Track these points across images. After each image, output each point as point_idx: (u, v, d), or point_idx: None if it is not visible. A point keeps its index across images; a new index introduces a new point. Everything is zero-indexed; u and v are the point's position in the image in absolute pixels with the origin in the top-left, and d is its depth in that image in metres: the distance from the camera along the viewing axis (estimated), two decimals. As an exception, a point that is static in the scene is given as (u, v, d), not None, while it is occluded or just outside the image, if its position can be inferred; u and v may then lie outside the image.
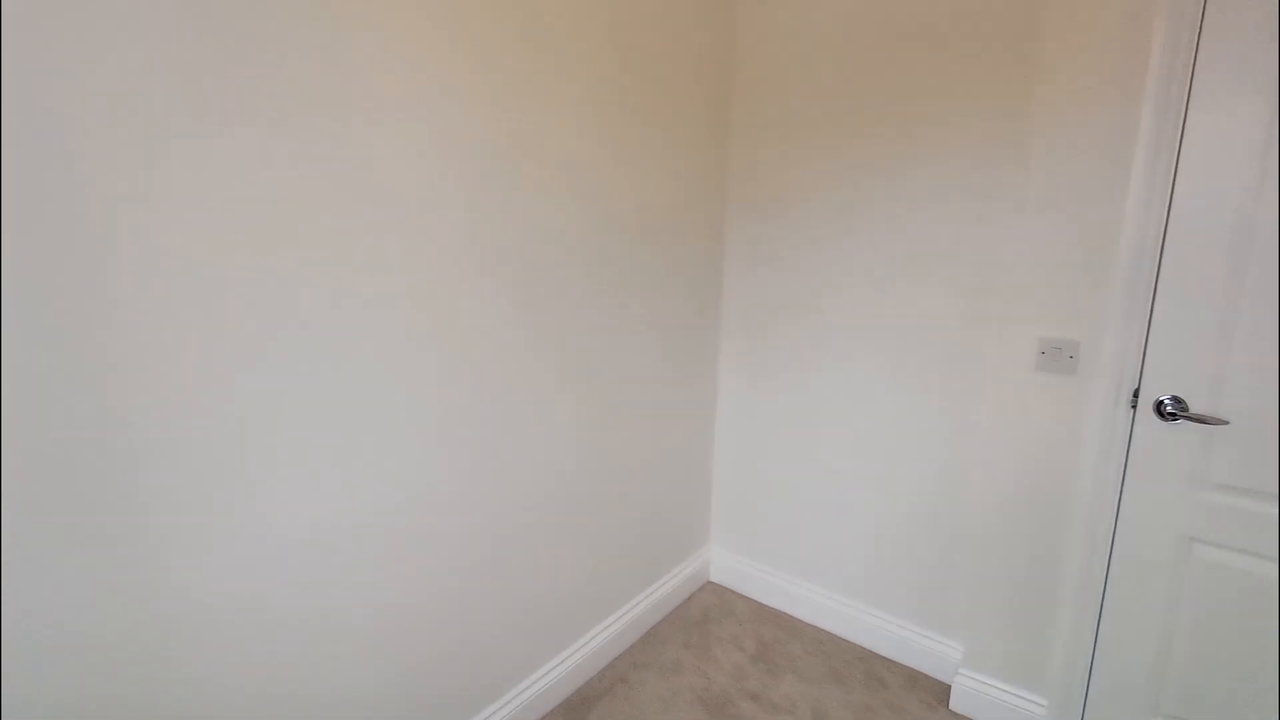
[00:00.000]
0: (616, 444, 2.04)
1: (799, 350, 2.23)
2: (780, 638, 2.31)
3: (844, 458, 2.20)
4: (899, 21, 1.87)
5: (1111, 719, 1.74)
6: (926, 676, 2.13)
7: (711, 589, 2.57)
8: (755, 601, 2.50)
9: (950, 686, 2.07)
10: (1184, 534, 1.57)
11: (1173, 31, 1.41)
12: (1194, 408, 1.51)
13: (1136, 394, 1.58)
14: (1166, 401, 1.53)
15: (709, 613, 2.43)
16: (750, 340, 2.34)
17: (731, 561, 2.55)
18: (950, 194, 1.85)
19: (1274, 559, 1.47)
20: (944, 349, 1.94)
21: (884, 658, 2.22)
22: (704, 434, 2.45)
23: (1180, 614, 1.61)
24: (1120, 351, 1.58)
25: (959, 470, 1.98)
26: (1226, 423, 1.46)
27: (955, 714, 1.99)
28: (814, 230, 2.13)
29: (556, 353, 1.76)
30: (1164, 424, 1.55)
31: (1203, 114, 1.41)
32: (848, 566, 2.27)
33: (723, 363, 2.44)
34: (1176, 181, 1.46)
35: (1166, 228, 1.49)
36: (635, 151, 1.89)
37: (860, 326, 2.09)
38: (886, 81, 1.91)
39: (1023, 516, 1.79)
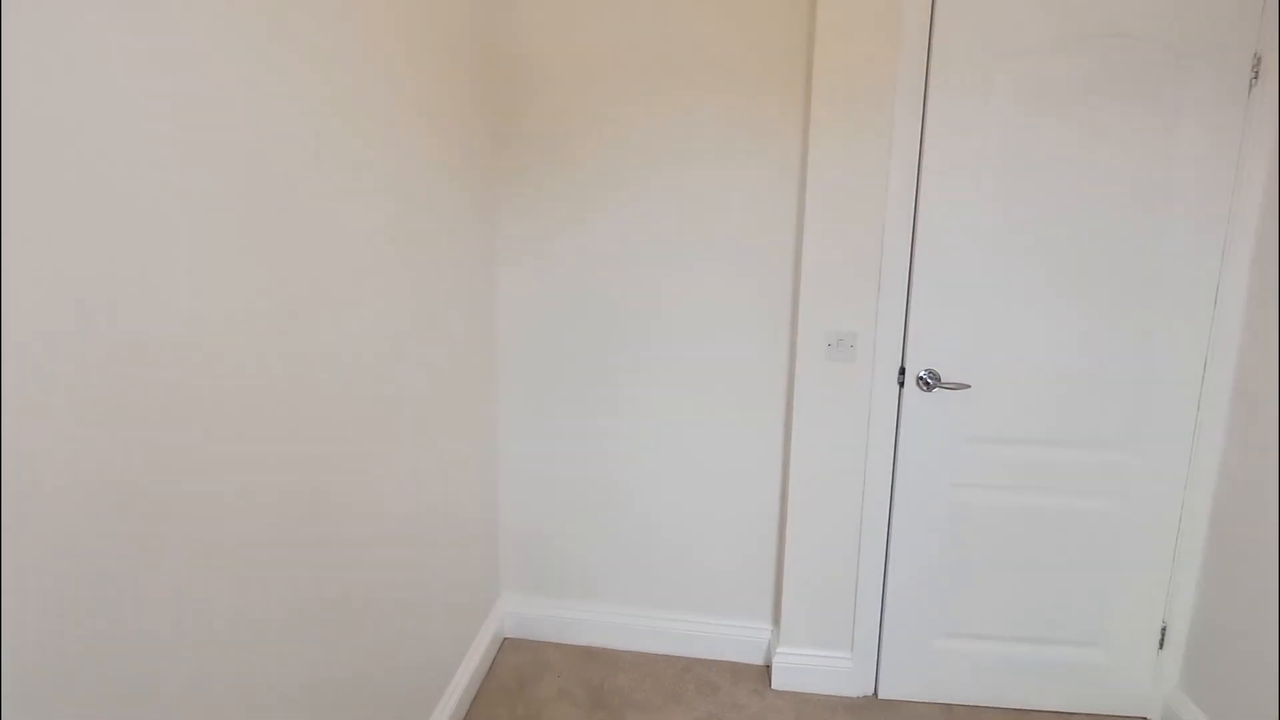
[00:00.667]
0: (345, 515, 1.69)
1: (590, 362, 2.16)
2: (605, 675, 2.18)
3: (643, 466, 2.20)
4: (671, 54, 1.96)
5: (902, 646, 2.06)
6: (747, 665, 2.25)
7: (514, 646, 2.30)
8: (565, 645, 2.32)
9: (768, 668, 2.21)
10: (948, 481, 1.95)
11: (909, 87, 1.77)
12: (945, 378, 1.89)
13: (903, 371, 1.92)
14: (924, 375, 1.89)
15: (523, 673, 2.18)
16: (531, 356, 2.19)
17: (529, 610, 2.33)
18: (750, 212, 2.00)
19: (1013, 488, 1.93)
20: (742, 349, 2.09)
21: (705, 660, 2.27)
22: (485, 469, 2.19)
23: (949, 546, 1.99)
24: (888, 338, 1.90)
25: (764, 459, 2.14)
26: (969, 386, 1.87)
27: (779, 692, 2.13)
28: (599, 236, 2.09)
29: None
30: (924, 393, 1.91)
31: (937, 153, 1.79)
32: (654, 579, 2.27)
33: (503, 384, 2.22)
34: (919, 203, 1.82)
35: (914, 239, 1.85)
36: (408, 158, 1.61)
37: (656, 331, 2.12)
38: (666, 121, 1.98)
39: (826, 491, 2.02)
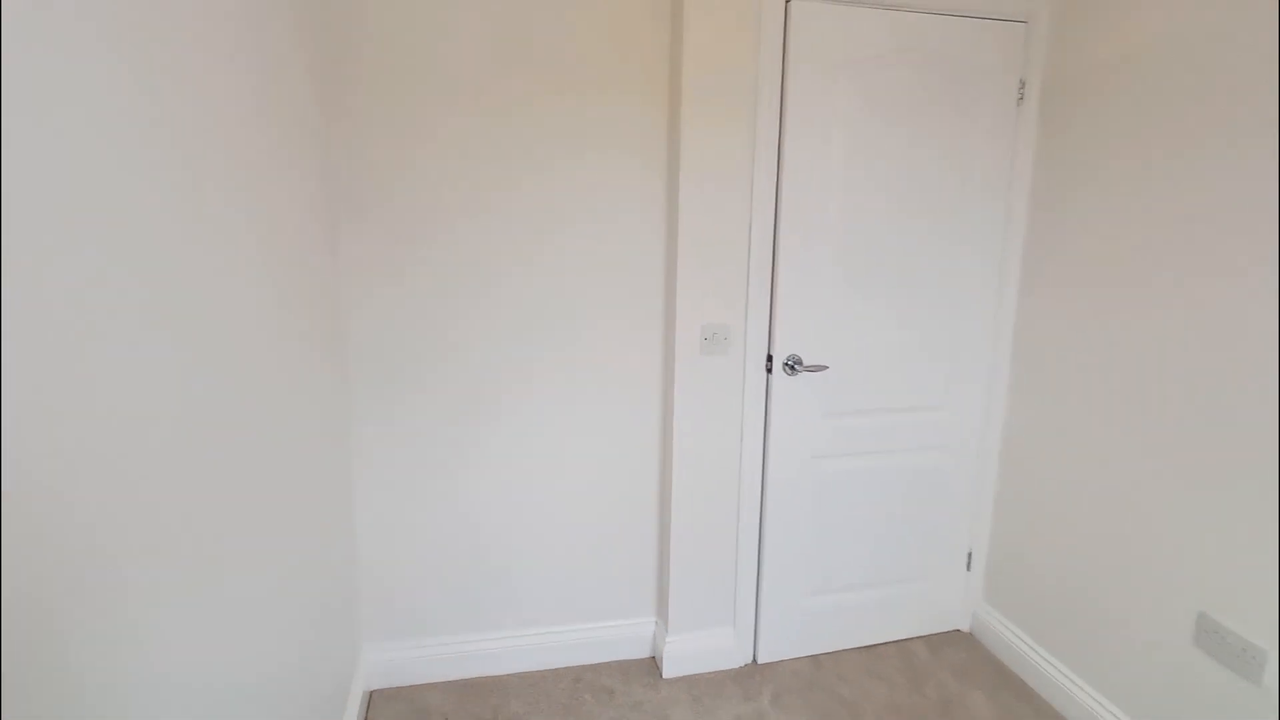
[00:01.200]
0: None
1: (450, 375, 1.97)
2: (497, 705, 2.04)
3: (514, 478, 2.08)
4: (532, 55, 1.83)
5: (776, 612, 2.22)
6: (636, 662, 2.25)
7: (386, 698, 2.05)
8: (447, 683, 2.12)
9: (655, 660, 2.24)
10: (810, 454, 2.12)
11: (769, 97, 1.86)
12: (807, 362, 2.05)
13: (770, 359, 2.04)
14: (788, 361, 2.03)
15: (404, 727, 1.95)
16: (384, 375, 1.94)
17: (398, 655, 2.08)
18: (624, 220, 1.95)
19: (863, 454, 2.15)
20: (615, 350, 2.05)
21: (595, 665, 2.23)
22: (340, 512, 1.90)
23: (814, 513, 2.17)
24: (756, 329, 2.01)
25: (641, 456, 2.14)
26: (827, 367, 2.05)
27: (672, 681, 2.17)
28: (457, 247, 1.90)
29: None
30: (789, 377, 2.05)
31: (794, 153, 1.91)
32: (533, 596, 2.17)
33: (358, 417, 1.94)
34: (780, 202, 1.94)
35: (776, 236, 1.96)
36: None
37: (526, 339, 2.00)
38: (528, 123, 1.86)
39: (706, 477, 2.08)
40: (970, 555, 2.36)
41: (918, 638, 2.40)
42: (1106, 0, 1.83)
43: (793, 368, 2.04)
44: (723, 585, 2.18)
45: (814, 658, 2.30)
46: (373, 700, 2.05)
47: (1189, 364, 1.64)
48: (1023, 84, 2.04)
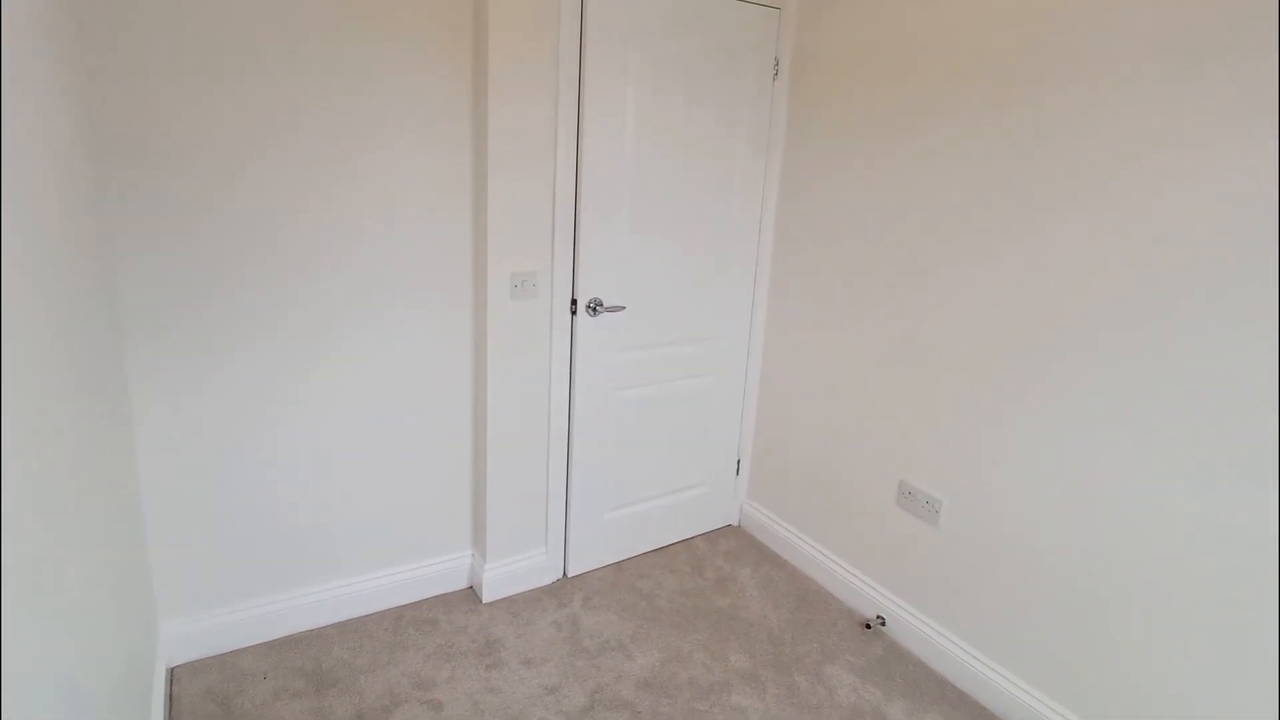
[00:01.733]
0: None
1: (250, 339, 1.86)
2: (319, 655, 2.04)
3: (327, 429, 2.05)
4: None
5: (584, 529, 2.48)
6: (455, 594, 2.37)
7: (194, 670, 1.94)
8: (261, 644, 2.06)
9: (472, 589, 2.38)
10: (612, 386, 2.37)
11: (568, 64, 1.96)
12: (607, 303, 2.26)
13: (574, 302, 2.22)
14: (591, 303, 2.23)
15: (221, 693, 1.88)
16: (177, 340, 1.77)
17: (206, 624, 1.97)
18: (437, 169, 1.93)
19: (655, 383, 2.45)
20: (427, 299, 2.07)
21: (415, 604, 2.31)
22: (121, 480, 1.73)
23: (614, 438, 2.44)
24: (561, 274, 2.16)
25: (455, 397, 2.21)
26: (624, 308, 2.28)
27: (492, 604, 2.34)
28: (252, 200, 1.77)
29: None
30: (591, 318, 2.25)
31: (594, 116, 2.05)
32: (350, 545, 2.17)
33: (136, 375, 1.75)
34: (581, 156, 2.08)
35: (578, 188, 2.11)
36: None
37: (332, 298, 1.94)
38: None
39: (519, 415, 2.23)
40: (739, 462, 2.82)
41: (700, 535, 2.83)
42: (835, 1, 2.22)
43: (595, 309, 2.24)
44: (535, 512, 2.37)
45: (617, 564, 2.61)
46: (176, 676, 1.93)
47: (892, 283, 2.14)
48: (777, 61, 2.38)
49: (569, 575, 2.51)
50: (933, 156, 1.97)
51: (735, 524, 2.91)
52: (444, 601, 2.33)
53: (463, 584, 2.40)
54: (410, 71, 1.89)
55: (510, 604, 2.34)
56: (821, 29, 2.28)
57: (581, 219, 2.14)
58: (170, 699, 1.85)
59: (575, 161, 2.09)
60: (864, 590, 2.34)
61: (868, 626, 2.30)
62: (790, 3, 2.35)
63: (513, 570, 2.36)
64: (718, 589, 2.49)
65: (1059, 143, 1.67)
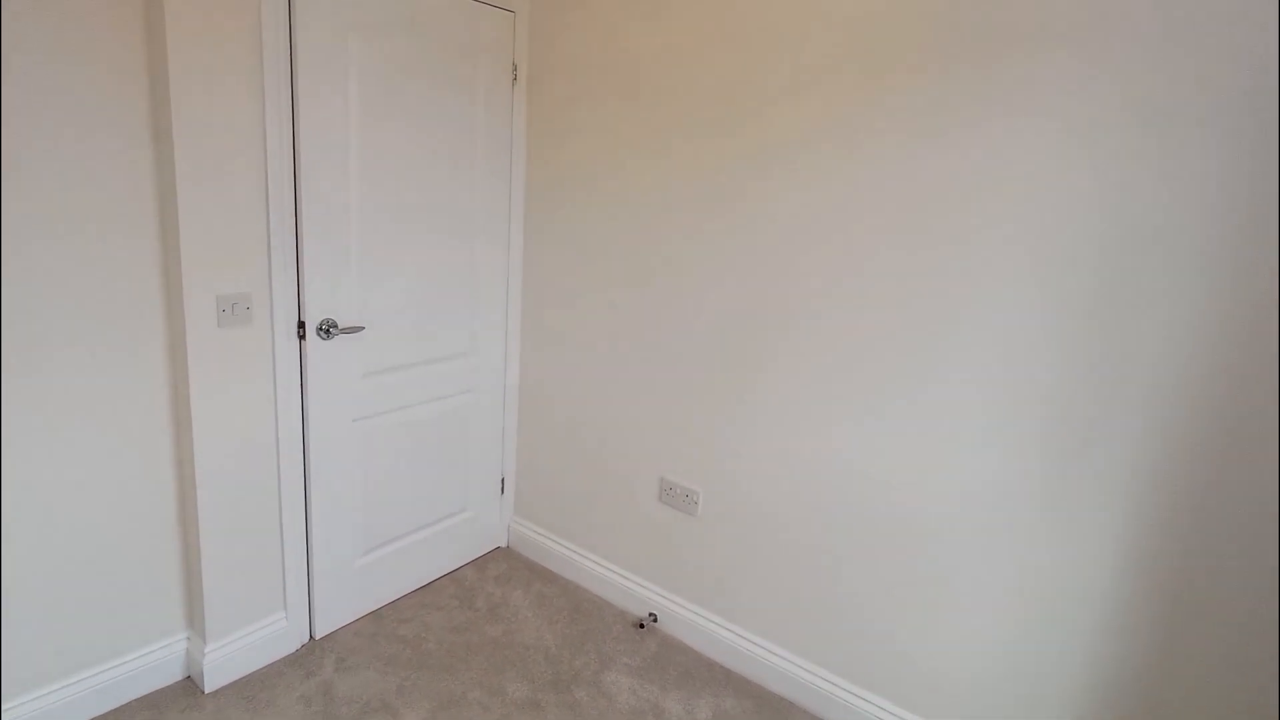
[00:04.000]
0: None
1: None
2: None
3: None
4: None
5: (330, 581, 2.19)
6: (168, 688, 1.93)
7: None
8: None
9: (191, 679, 1.96)
10: (350, 417, 2.11)
11: (276, 54, 1.69)
12: (342, 324, 2.00)
13: (302, 325, 1.93)
14: (322, 325, 1.96)
15: None
16: None
17: None
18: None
19: (402, 409, 2.23)
20: (104, 332, 1.63)
21: (113, 711, 1.82)
22: None
23: (359, 475, 2.18)
24: (284, 294, 1.87)
25: (158, 455, 1.78)
26: (363, 328, 2.04)
27: (218, 693, 1.95)
28: None
29: None
30: (325, 342, 1.98)
31: (311, 110, 1.79)
32: (21, 657, 1.65)
33: None
34: (298, 160, 1.81)
35: (298, 195, 1.83)
36: None
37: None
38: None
39: (239, 461, 1.88)
40: (503, 480, 2.71)
41: (468, 564, 2.67)
42: (562, 11, 2.22)
43: (328, 331, 1.97)
44: (268, 572, 2.02)
45: (376, 613, 2.35)
46: None
47: (640, 286, 2.21)
48: (515, 65, 2.32)
49: (317, 637, 2.19)
50: (669, 163, 2.07)
51: (505, 545, 2.80)
52: (152, 703, 1.88)
53: (178, 675, 1.96)
54: (56, 52, 1.47)
55: (243, 687, 1.97)
56: (555, 38, 2.27)
57: (305, 230, 1.86)
58: None
59: (293, 165, 1.82)
60: (636, 590, 2.39)
61: (641, 626, 2.36)
62: (524, 7, 2.29)
63: (243, 646, 1.99)
64: (490, 618, 2.36)
65: (769, 155, 1.86)
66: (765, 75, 1.83)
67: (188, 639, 1.97)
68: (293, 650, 2.12)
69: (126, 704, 1.86)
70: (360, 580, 2.26)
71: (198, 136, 1.63)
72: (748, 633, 2.14)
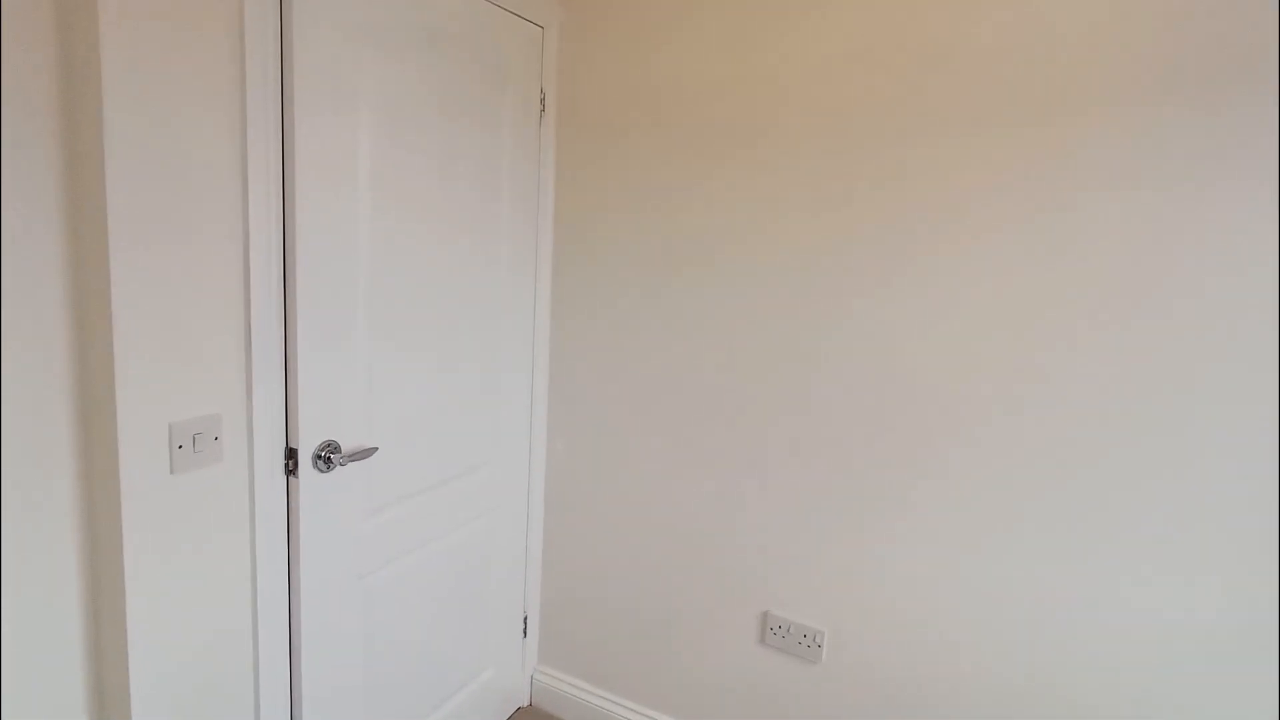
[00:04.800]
0: None
1: None
2: None
3: None
4: None
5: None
6: None
7: None
8: None
9: None
10: (356, 573, 1.48)
11: (263, 63, 1.13)
12: (348, 447, 1.40)
13: (293, 453, 1.31)
14: (321, 451, 1.35)
15: None
16: None
17: None
18: None
19: (414, 549, 1.61)
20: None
21: None
22: None
23: (364, 643, 1.53)
24: (268, 414, 1.25)
25: (71, 667, 1.09)
26: (376, 449, 1.44)
27: None
28: None
29: None
30: (324, 475, 1.36)
31: (309, 151, 1.22)
32: None
33: None
34: (292, 228, 1.23)
35: (290, 264, 1.25)
36: None
37: None
38: None
39: (203, 671, 1.21)
40: (525, 619, 2.10)
41: (482, 735, 2.01)
42: (599, 27, 1.78)
43: (328, 460, 1.36)
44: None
45: (379, 842, 1.66)
46: None
47: (712, 369, 1.74)
48: (543, 94, 1.84)
49: None
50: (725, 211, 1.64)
51: (526, 705, 2.16)
52: None
53: None
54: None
55: None
56: (588, 60, 1.82)
57: (299, 319, 1.27)
58: None
59: (282, 229, 1.24)
60: (728, 758, 1.84)
61: (740, 804, 1.81)
62: (553, 23, 1.83)
63: None
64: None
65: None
66: (916, 116, 1.46)
67: None
68: None
69: None
70: (362, 802, 1.58)
71: (142, 183, 1.03)
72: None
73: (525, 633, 2.10)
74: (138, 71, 1.01)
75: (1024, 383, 1.41)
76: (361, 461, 1.44)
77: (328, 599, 1.42)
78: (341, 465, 1.38)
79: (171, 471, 1.12)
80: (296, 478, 1.32)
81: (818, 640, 1.71)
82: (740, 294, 1.70)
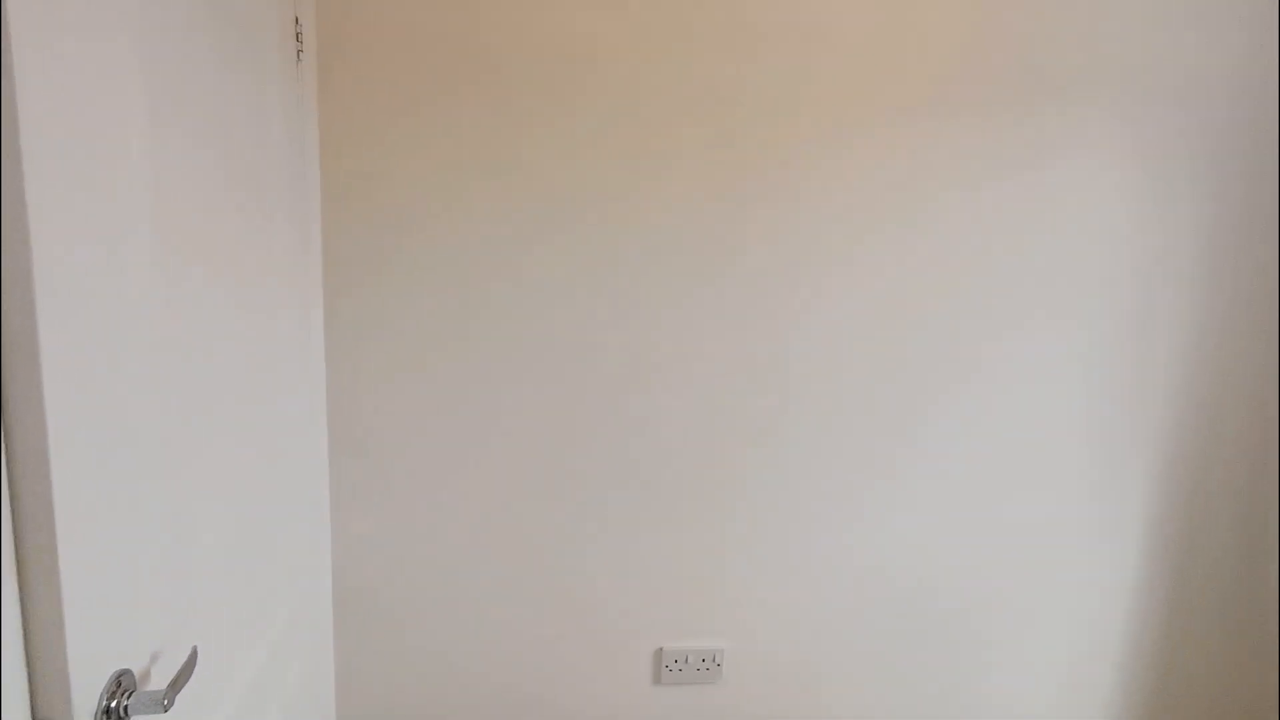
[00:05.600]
0: None
1: None
2: None
3: None
4: None
5: None
6: None
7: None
8: None
9: None
10: None
11: None
12: (157, 678, 0.72)
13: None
14: (114, 695, 0.68)
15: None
16: None
17: None
18: None
19: None
20: None
21: None
22: None
23: None
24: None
25: None
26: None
27: None
28: None
29: None
30: (119, 742, 0.68)
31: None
32: None
33: None
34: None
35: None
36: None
37: None
38: None
39: None
40: (322, 779, 1.48)
41: None
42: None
43: (126, 709, 0.68)
44: None
45: None
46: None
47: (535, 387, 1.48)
48: (299, 27, 1.20)
49: None
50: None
51: None
52: None
53: None
54: None
55: None
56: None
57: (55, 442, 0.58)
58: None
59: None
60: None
61: None
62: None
63: None
64: None
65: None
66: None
67: None
68: None
69: None
70: None
71: None
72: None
73: (328, 797, 1.49)
74: None
75: (882, 382, 1.52)
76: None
77: None
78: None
79: None
80: (79, 778, 0.63)
81: (716, 660, 1.62)
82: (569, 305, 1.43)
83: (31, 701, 0.60)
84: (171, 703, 0.68)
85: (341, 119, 1.30)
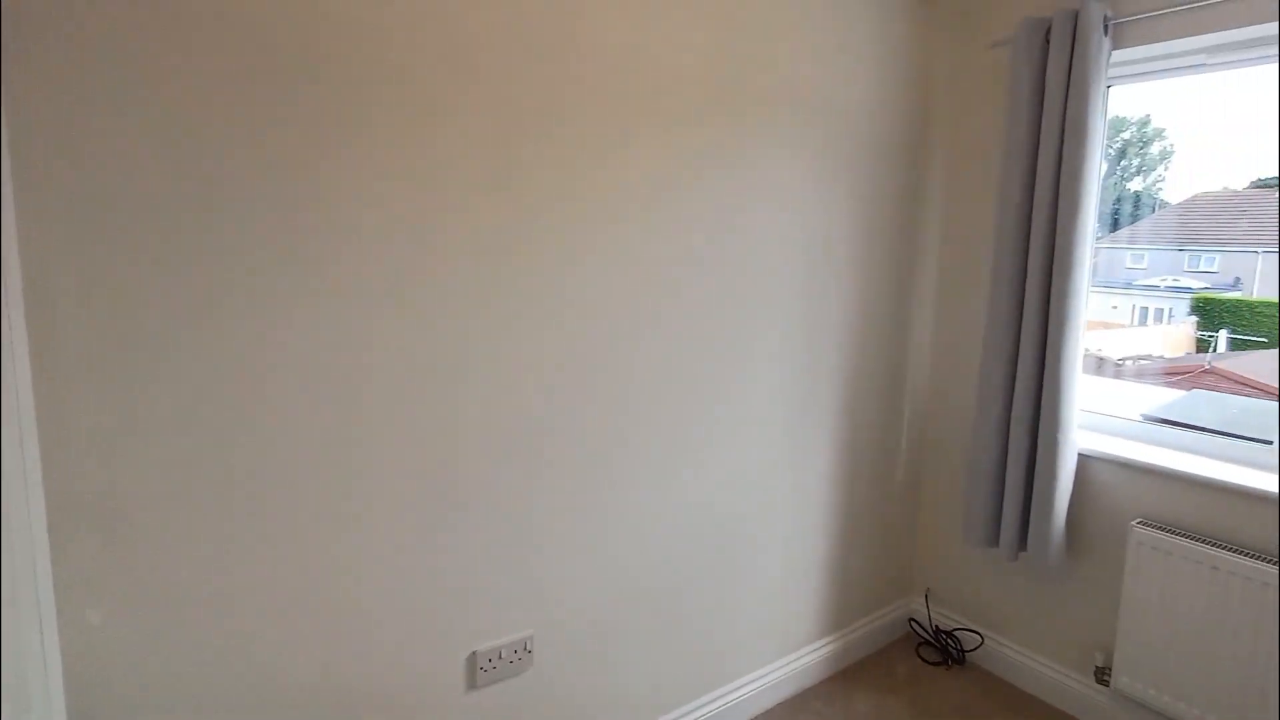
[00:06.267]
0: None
1: None
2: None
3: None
4: None
5: None
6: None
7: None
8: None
9: None
10: None
11: None
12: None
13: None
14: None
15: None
16: None
17: None
18: None
19: None
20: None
21: None
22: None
23: None
24: None
25: None
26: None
27: None
28: None
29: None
30: None
31: None
32: None
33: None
34: None
35: None
36: None
37: None
38: None
39: None
40: None
41: None
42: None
43: None
44: None
45: None
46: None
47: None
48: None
49: None
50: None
51: None
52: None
53: None
54: None
55: None
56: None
57: None
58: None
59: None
60: None
61: None
62: None
63: None
64: None
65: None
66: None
67: None
68: None
69: None
70: None
71: None
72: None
73: None
74: None
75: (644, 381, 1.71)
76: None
77: None
78: None
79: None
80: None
81: (527, 648, 1.64)
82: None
83: None
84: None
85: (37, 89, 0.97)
